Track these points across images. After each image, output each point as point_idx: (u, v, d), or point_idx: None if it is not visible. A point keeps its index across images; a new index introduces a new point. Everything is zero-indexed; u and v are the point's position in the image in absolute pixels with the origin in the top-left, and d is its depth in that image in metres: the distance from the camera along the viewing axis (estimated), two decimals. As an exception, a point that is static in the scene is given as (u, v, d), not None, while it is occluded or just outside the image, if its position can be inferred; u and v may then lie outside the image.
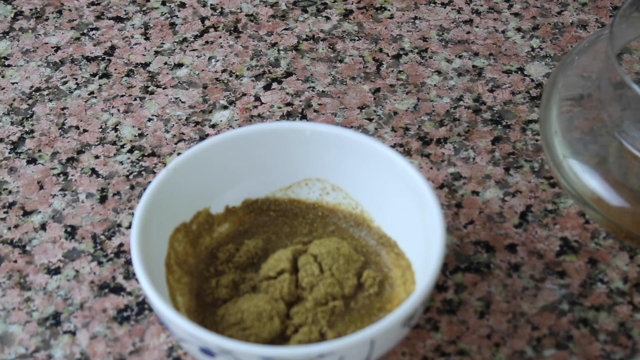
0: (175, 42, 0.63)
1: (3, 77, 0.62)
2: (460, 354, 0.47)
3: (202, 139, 0.58)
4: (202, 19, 0.65)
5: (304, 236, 0.50)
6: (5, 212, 0.54)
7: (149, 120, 0.59)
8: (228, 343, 0.40)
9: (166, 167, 0.47)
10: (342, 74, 0.61)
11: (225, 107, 0.59)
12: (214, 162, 0.49)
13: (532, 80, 0.60)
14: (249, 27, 0.64)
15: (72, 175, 0.56)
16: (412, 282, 0.47)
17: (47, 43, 0.64)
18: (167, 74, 0.61)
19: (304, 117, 0.58)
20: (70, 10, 0.66)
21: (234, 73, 0.61)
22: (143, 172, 0.56)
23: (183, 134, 0.58)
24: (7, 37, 0.64)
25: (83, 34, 0.64)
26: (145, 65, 0.62)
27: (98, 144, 0.57)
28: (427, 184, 0.46)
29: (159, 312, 0.42)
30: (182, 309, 0.46)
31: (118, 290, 0.50)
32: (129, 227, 0.53)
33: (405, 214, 0.48)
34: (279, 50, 0.63)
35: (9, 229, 0.53)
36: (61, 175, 0.56)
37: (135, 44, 0.64)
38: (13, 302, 0.50)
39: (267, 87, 0.60)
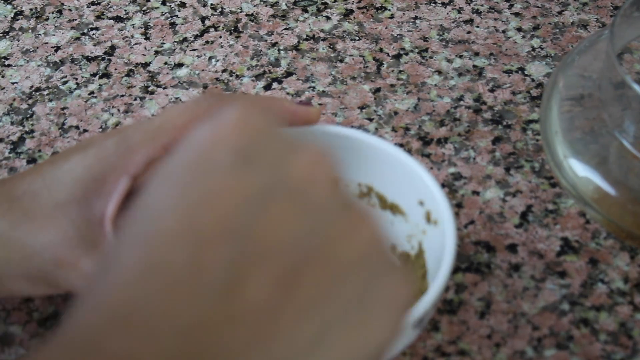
0: (175, 42, 0.63)
1: (3, 77, 0.62)
2: (460, 354, 0.47)
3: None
4: (203, 19, 0.65)
5: None
6: (5, 212, 0.54)
7: (149, 120, 0.59)
8: None
9: None
10: (343, 74, 0.61)
11: (225, 107, 0.59)
12: None
13: (533, 80, 0.60)
14: (249, 26, 0.64)
15: (72, 175, 0.56)
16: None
17: (47, 43, 0.64)
18: (167, 73, 0.61)
19: (304, 117, 0.58)
20: (70, 10, 0.66)
21: (234, 73, 0.61)
22: (143, 172, 0.56)
23: (183, 133, 0.58)
24: (7, 36, 0.64)
25: (83, 34, 0.64)
26: (146, 65, 0.62)
27: (98, 144, 0.57)
28: (436, 183, 0.46)
29: None
30: None
31: (118, 290, 0.50)
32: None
33: (415, 215, 0.48)
34: (279, 50, 0.63)
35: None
36: (61, 175, 0.56)
37: (136, 43, 0.64)
38: (13, 302, 0.50)
39: (267, 87, 0.60)
